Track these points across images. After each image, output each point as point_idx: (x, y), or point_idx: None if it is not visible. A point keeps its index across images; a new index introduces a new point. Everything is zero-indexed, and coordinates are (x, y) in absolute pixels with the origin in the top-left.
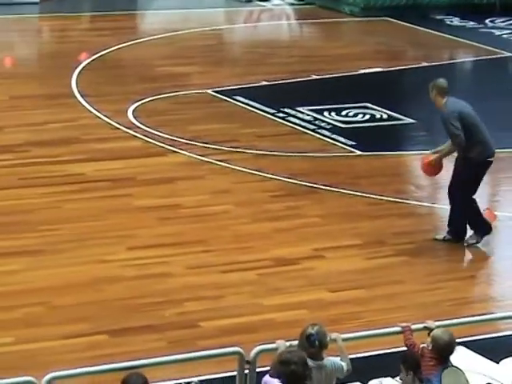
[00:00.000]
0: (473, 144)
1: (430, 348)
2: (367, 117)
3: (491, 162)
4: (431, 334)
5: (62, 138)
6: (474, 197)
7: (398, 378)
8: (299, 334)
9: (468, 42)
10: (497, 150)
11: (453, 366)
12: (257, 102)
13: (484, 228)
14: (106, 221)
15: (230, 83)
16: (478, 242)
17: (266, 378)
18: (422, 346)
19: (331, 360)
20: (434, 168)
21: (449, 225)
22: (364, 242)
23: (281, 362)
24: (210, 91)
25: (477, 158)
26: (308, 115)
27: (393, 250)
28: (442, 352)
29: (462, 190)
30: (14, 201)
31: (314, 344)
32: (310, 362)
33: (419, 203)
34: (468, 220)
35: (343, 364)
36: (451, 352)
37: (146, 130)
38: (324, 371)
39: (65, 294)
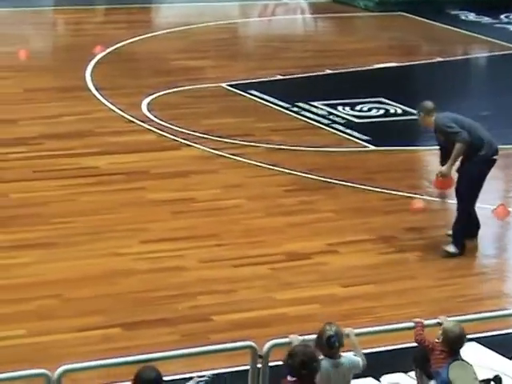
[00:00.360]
0: (475, 143)
1: (440, 340)
2: (381, 112)
3: (495, 160)
4: (442, 326)
5: (76, 131)
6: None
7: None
8: (316, 333)
9: (483, 37)
10: (510, 146)
11: (462, 359)
12: (271, 96)
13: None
14: (120, 214)
15: (245, 77)
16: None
17: None
18: (433, 341)
19: (348, 357)
20: (446, 181)
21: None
22: (377, 237)
23: (288, 353)
24: (224, 85)
25: (481, 156)
26: (322, 110)
27: (405, 245)
28: (452, 345)
29: (468, 190)
30: (27, 193)
31: (335, 345)
32: (327, 362)
33: (432, 199)
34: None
35: (359, 359)
36: (461, 345)
37: (160, 124)
38: (342, 369)
39: (78, 287)
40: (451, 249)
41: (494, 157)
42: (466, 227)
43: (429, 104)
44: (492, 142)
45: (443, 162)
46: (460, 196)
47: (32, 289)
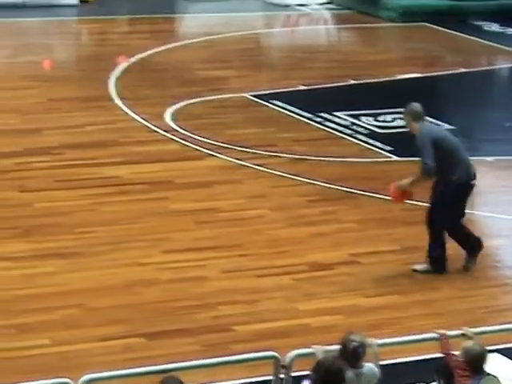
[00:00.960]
0: (453, 166)
1: (462, 360)
2: (405, 122)
3: (474, 184)
4: (462, 346)
5: (99, 141)
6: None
7: None
8: (340, 343)
9: (507, 48)
10: None
11: (489, 374)
12: (294, 107)
13: (476, 246)
14: (143, 224)
15: (268, 87)
16: (473, 265)
17: None
18: (456, 358)
19: (369, 367)
20: (401, 194)
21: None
22: (400, 248)
23: (315, 363)
24: (247, 95)
25: (459, 180)
26: (345, 120)
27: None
28: (475, 362)
29: (448, 215)
30: (50, 203)
31: (360, 356)
32: (350, 372)
33: None
34: (461, 241)
35: (377, 370)
36: (484, 361)
37: (183, 134)
38: (363, 378)
39: (101, 297)
40: (419, 266)
41: (471, 182)
42: (443, 249)
43: (416, 108)
44: (470, 167)
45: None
46: (432, 219)
47: (55, 298)
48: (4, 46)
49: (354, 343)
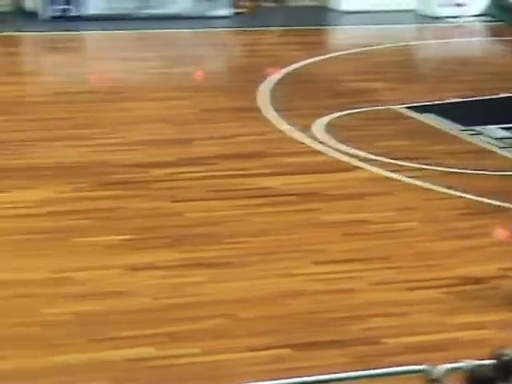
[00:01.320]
0: None
1: None
2: None
3: None
4: None
5: (250, 152)
6: None
7: None
8: (493, 357)
9: None
10: None
11: None
12: (446, 119)
13: None
14: (293, 235)
15: (420, 99)
16: None
17: None
18: None
19: None
20: None
21: None
22: None
23: (464, 378)
24: (399, 107)
25: None
26: (498, 133)
27: None
28: None
29: None
30: (202, 213)
31: None
32: None
33: None
34: None
35: None
36: None
37: (333, 145)
38: None
39: (250, 307)
40: None
41: None
42: None
43: None
44: None
45: None
46: None
47: (205, 308)
48: (158, 56)
49: (507, 357)
